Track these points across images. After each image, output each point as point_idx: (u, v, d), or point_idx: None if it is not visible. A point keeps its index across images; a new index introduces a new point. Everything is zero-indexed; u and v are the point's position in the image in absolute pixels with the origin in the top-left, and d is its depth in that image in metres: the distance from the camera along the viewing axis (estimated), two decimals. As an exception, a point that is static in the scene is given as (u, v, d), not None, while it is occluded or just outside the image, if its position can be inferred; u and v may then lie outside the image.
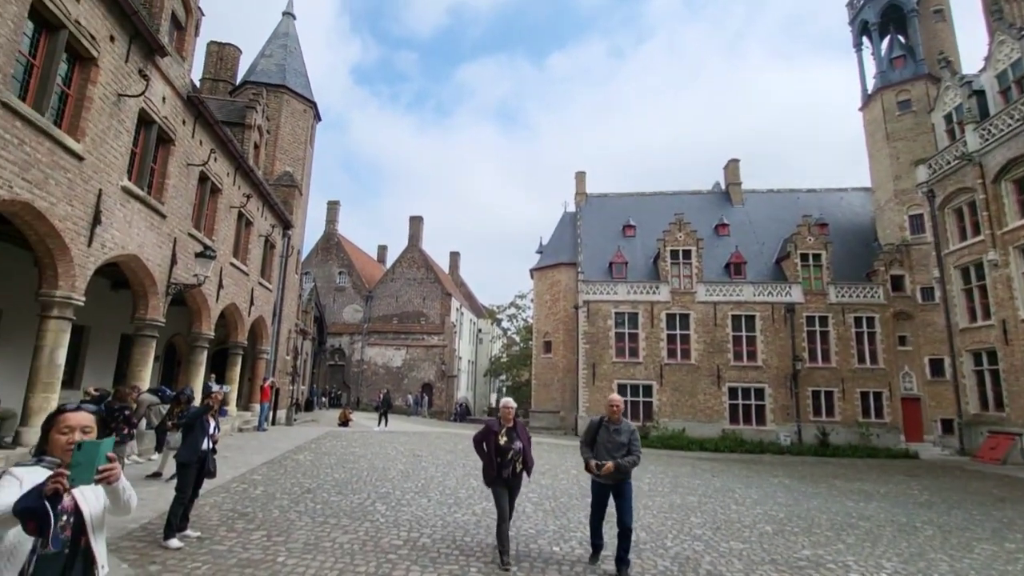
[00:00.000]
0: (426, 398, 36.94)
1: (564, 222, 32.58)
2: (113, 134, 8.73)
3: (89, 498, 1.93)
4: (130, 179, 9.51)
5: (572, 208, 33.15)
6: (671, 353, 25.78)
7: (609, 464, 5.01)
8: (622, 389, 24.98)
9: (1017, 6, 19.27)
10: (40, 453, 1.99)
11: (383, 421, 20.75)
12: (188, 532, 5.52)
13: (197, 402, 10.19)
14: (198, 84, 18.85)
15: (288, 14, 23.90)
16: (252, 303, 16.46)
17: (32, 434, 7.49)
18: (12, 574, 1.73)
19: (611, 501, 5.25)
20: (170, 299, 11.31)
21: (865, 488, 12.20)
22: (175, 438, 8.02)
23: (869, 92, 27.87)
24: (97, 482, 1.79)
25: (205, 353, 13.64)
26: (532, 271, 32.24)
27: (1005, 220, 17.38)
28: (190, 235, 11.97)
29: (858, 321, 25.10)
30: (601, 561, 5.38)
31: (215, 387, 6.83)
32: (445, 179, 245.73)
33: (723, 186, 33.57)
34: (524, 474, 5.45)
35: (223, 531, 5.82)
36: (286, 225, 19.55)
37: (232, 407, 15.76)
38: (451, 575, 4.87)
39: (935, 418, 23.71)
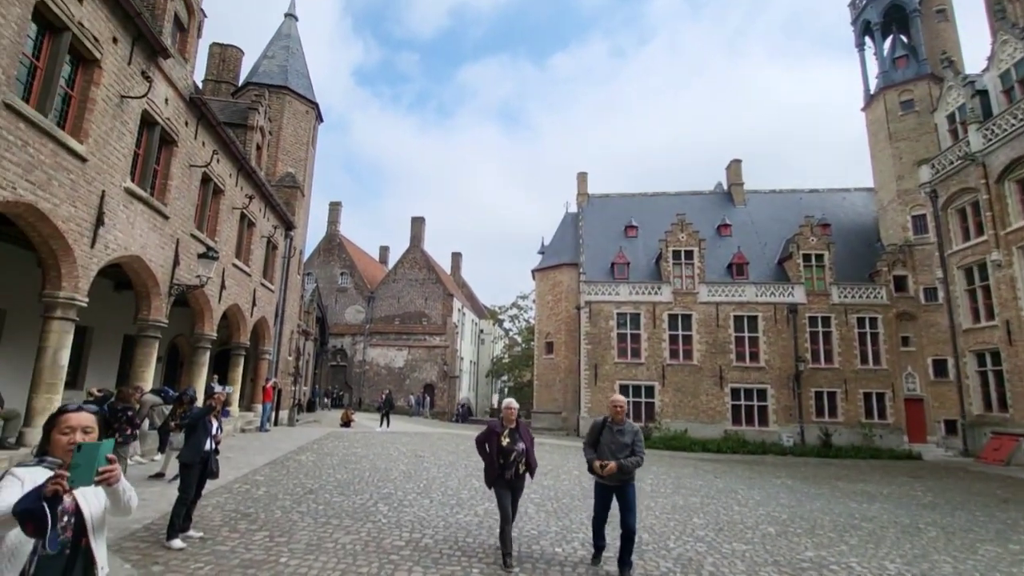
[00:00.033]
0: (428, 399, 36.94)
1: (566, 223, 32.57)
2: (116, 136, 8.75)
3: (90, 499, 1.93)
4: (133, 180, 9.54)
5: (574, 208, 33.14)
6: (673, 354, 25.74)
7: (612, 464, 4.95)
8: (624, 390, 24.95)
9: (1020, 6, 19.20)
10: (42, 453, 1.99)
11: (385, 422, 20.76)
12: (191, 532, 5.53)
13: (200, 403, 10.22)
14: (200, 85, 18.90)
15: (290, 15, 23.96)
16: (254, 304, 16.48)
17: (36, 435, 7.51)
18: (13, 574, 1.74)
19: (614, 503, 5.21)
20: (173, 300, 11.34)
21: (868, 489, 12.16)
22: (178, 439, 8.04)
23: (872, 92, 27.80)
24: (97, 484, 1.79)
25: (208, 354, 13.67)
26: (534, 272, 32.22)
27: (1008, 220, 17.31)
28: (193, 236, 12.00)
29: (861, 322, 25.03)
30: (603, 562, 5.37)
31: (218, 388, 6.85)
32: (447, 180, 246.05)
33: (725, 186, 33.52)
34: (527, 475, 5.42)
35: (226, 531, 5.83)
36: (288, 226, 19.58)
37: (234, 408, 15.79)
38: (453, 576, 4.87)
39: (938, 419, 23.63)
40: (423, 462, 11.91)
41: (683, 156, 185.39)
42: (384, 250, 53.38)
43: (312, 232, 39.56)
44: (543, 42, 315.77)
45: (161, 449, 9.78)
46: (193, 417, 5.97)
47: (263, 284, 17.35)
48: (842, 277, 25.93)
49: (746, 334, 25.55)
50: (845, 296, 25.39)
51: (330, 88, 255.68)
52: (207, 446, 5.71)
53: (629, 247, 29.02)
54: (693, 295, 26.14)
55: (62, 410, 2.06)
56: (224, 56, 22.00)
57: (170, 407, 9.61)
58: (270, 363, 18.76)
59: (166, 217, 10.72)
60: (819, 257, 25.95)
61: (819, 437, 23.28)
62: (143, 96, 9.30)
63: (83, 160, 7.91)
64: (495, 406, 49.47)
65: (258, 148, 17.14)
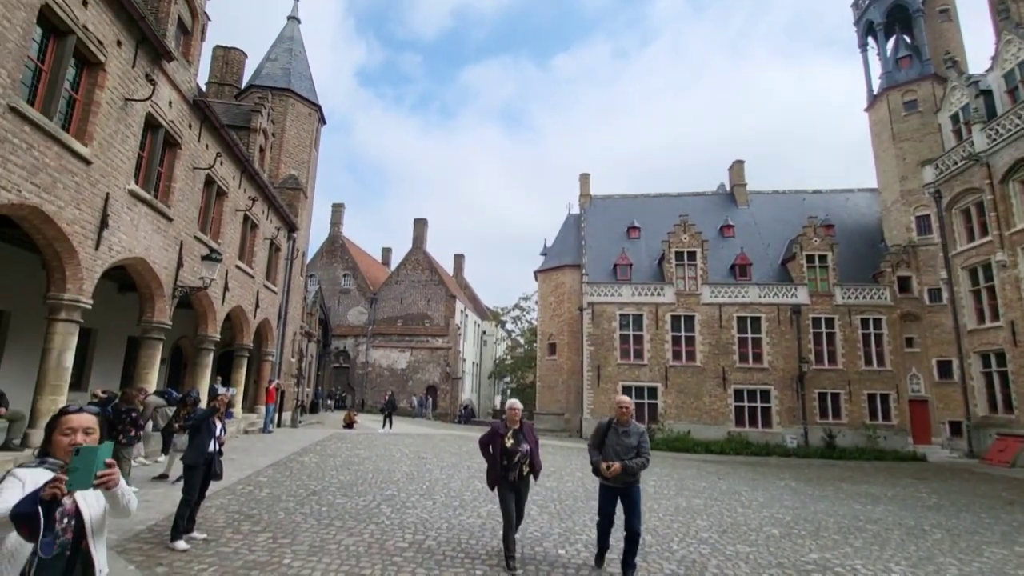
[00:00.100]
0: (430, 400, 36.95)
1: (568, 224, 32.56)
2: (120, 138, 8.79)
3: (90, 501, 1.94)
4: (137, 183, 9.58)
5: (576, 210, 33.14)
6: (676, 355, 25.70)
7: (616, 465, 4.89)
8: (627, 391, 24.90)
9: (1024, 5, 19.14)
10: (44, 455, 2.00)
11: (387, 423, 20.77)
12: (194, 534, 5.54)
13: (203, 404, 10.25)
14: (204, 88, 18.96)
15: (293, 18, 24.05)
16: (258, 305, 16.52)
17: (40, 436, 7.51)
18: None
19: (618, 506, 5.16)
20: (176, 302, 11.38)
21: (872, 491, 12.11)
22: (181, 440, 8.05)
23: (875, 92, 27.73)
24: (95, 487, 1.79)
25: (211, 355, 13.70)
26: (536, 273, 32.21)
27: (1013, 221, 17.24)
28: (196, 238, 12.04)
29: (865, 323, 24.95)
30: (607, 564, 5.35)
31: (221, 389, 6.88)
32: (449, 181, 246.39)
33: (728, 187, 33.47)
34: (531, 477, 5.38)
35: (229, 533, 5.84)
36: (291, 228, 19.63)
37: (238, 409, 15.82)
38: (456, 578, 4.86)
39: (943, 420, 23.51)
40: (426, 463, 11.91)
41: (684, 156, 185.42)
42: (387, 251, 53.48)
43: (315, 234, 39.54)
44: (545, 43, 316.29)
45: (165, 451, 9.80)
46: (197, 419, 5.98)
47: (266, 286, 17.39)
48: (846, 278, 25.84)
49: (749, 335, 25.48)
50: (849, 297, 25.30)
51: (333, 89, 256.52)
52: (211, 448, 5.72)
53: (631, 248, 29.00)
54: (696, 296, 26.09)
55: (63, 411, 2.07)
56: (227, 59, 22.09)
57: (174, 409, 9.63)
58: (273, 365, 18.80)
59: (170, 219, 10.76)
60: (822, 258, 25.88)
61: (823, 438, 23.19)
62: (147, 99, 9.34)
63: (87, 163, 7.95)
64: (498, 407, 49.48)
65: (261, 150, 17.20)
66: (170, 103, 10.40)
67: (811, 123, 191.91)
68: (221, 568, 4.78)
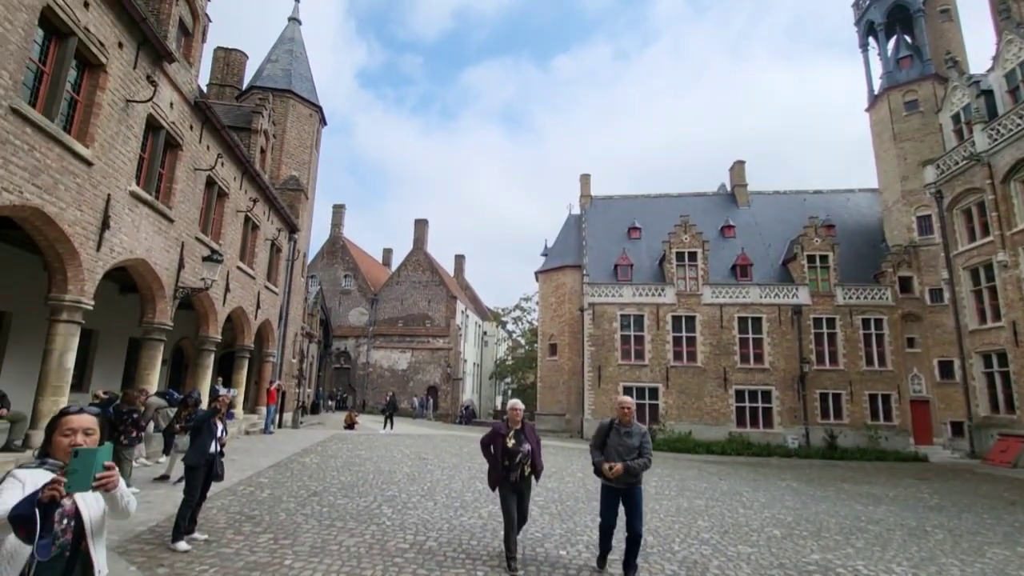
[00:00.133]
0: (431, 401, 36.95)
1: (569, 224, 32.57)
2: (122, 139, 8.81)
3: (90, 502, 1.94)
4: (138, 184, 9.60)
5: (577, 210, 33.16)
6: (677, 355, 25.69)
7: (619, 466, 4.86)
8: (628, 392, 24.88)
9: (1025, 5, 19.12)
10: (44, 455, 2.00)
11: (388, 424, 20.77)
12: (196, 535, 5.54)
13: (204, 405, 10.25)
14: (205, 89, 18.99)
15: (294, 19, 24.09)
16: (258, 307, 16.53)
17: (42, 437, 7.53)
18: None
19: (620, 508, 5.13)
20: (177, 303, 11.39)
21: (874, 491, 12.09)
22: (183, 441, 8.06)
23: (875, 93, 27.72)
24: (94, 489, 1.79)
25: (212, 356, 13.71)
26: (537, 274, 32.22)
27: (1015, 221, 17.22)
28: (197, 239, 12.05)
29: (866, 323, 24.92)
30: (608, 565, 5.34)
31: (222, 390, 6.89)
32: (450, 182, 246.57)
33: (728, 188, 33.47)
34: (533, 478, 5.35)
35: (230, 534, 5.84)
36: (292, 229, 19.65)
37: (239, 410, 15.83)
38: (457, 579, 4.86)
39: (945, 421, 23.48)
40: (427, 464, 11.91)
41: (685, 156, 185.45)
42: (387, 252, 53.51)
43: (316, 235, 39.58)
44: (546, 45, 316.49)
45: (166, 451, 9.81)
46: (198, 420, 5.99)
47: (267, 287, 17.40)
48: (847, 278, 25.82)
49: (750, 336, 25.46)
50: (850, 297, 25.28)
51: (333, 90, 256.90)
52: (212, 448, 5.72)
53: (632, 249, 28.99)
54: (697, 297, 26.08)
55: (64, 412, 2.07)
56: (228, 60, 22.13)
57: (175, 410, 9.64)
58: (274, 366, 18.81)
59: (171, 220, 10.77)
60: (823, 258, 25.86)
61: (824, 439, 23.15)
62: (148, 100, 9.35)
63: (89, 164, 7.96)
64: (498, 408, 49.46)
65: (262, 151, 17.22)
66: (171, 104, 10.42)
67: (812, 123, 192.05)
68: (222, 569, 4.78)
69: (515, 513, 5.16)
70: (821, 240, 26.03)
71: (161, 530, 5.77)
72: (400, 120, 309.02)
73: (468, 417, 36.51)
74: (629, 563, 5.00)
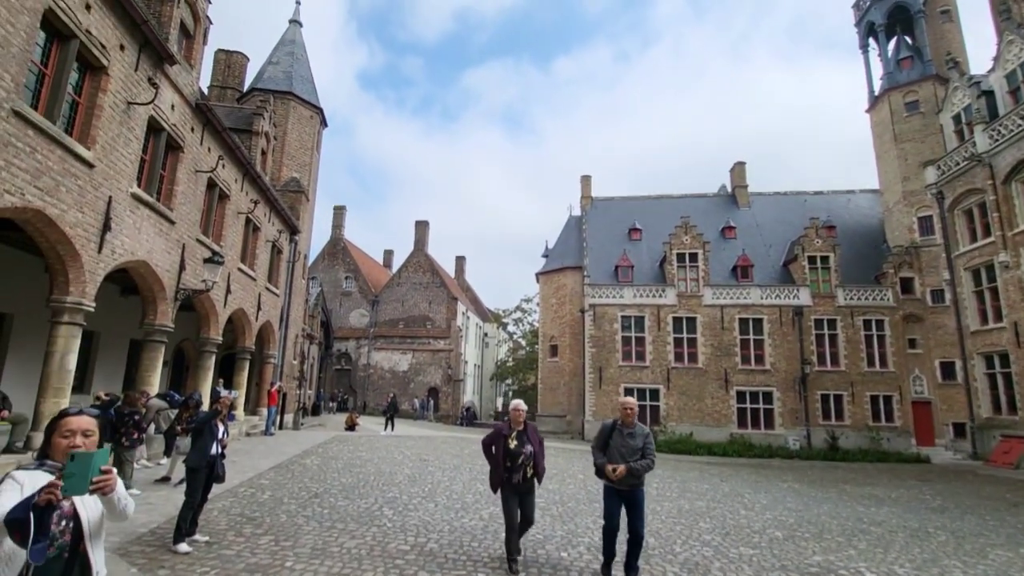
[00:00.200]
0: (432, 402, 36.94)
1: (570, 226, 32.58)
2: (123, 141, 8.83)
3: (88, 504, 1.93)
4: (139, 186, 9.61)
5: (577, 211, 33.17)
6: (678, 357, 25.66)
7: (622, 467, 4.82)
8: (628, 393, 24.82)
9: (1025, 6, 19.12)
10: (43, 457, 2.00)
11: (389, 425, 20.77)
12: (197, 537, 5.54)
13: (205, 407, 10.25)
14: (206, 92, 19.02)
15: (295, 22, 24.14)
16: (259, 308, 16.55)
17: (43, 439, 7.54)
18: None
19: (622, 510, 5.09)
20: (179, 304, 11.40)
21: (876, 493, 12.06)
22: (184, 443, 8.06)
23: (876, 94, 27.71)
24: (91, 493, 1.78)
25: (213, 358, 13.72)
26: (538, 275, 32.23)
27: (1016, 221, 17.21)
28: (198, 241, 12.07)
29: (867, 324, 24.88)
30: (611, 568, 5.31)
31: (223, 392, 6.87)
32: (451, 184, 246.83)
33: (729, 189, 33.47)
34: (535, 480, 5.26)
35: (231, 536, 5.83)
36: (293, 230, 19.67)
37: (240, 412, 15.83)
38: (459, 581, 4.85)
39: (947, 422, 23.42)
40: (428, 466, 11.90)
41: (685, 157, 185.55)
42: (388, 254, 53.55)
43: (316, 236, 39.74)
44: (547, 46, 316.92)
45: (167, 453, 9.81)
46: (199, 421, 5.98)
47: (268, 288, 17.41)
48: (848, 279, 25.79)
49: (751, 337, 25.43)
50: (851, 298, 25.25)
51: (334, 92, 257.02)
52: (213, 450, 5.72)
53: (633, 250, 28.99)
54: (698, 298, 26.06)
55: (63, 413, 2.06)
56: (229, 62, 22.19)
57: (176, 411, 9.64)
58: (275, 367, 18.81)
59: (172, 222, 10.79)
60: (824, 259, 25.83)
61: (826, 440, 23.11)
62: (150, 102, 9.37)
63: (90, 166, 7.97)
64: (499, 409, 49.41)
65: (263, 153, 17.25)
66: (172, 106, 10.44)
67: (812, 124, 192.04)
68: (223, 571, 4.78)
69: (516, 516, 5.10)
70: (822, 241, 26.00)
71: (162, 532, 5.76)
72: (401, 122, 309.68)
73: (469, 418, 36.48)
74: (631, 565, 4.97)
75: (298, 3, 24.54)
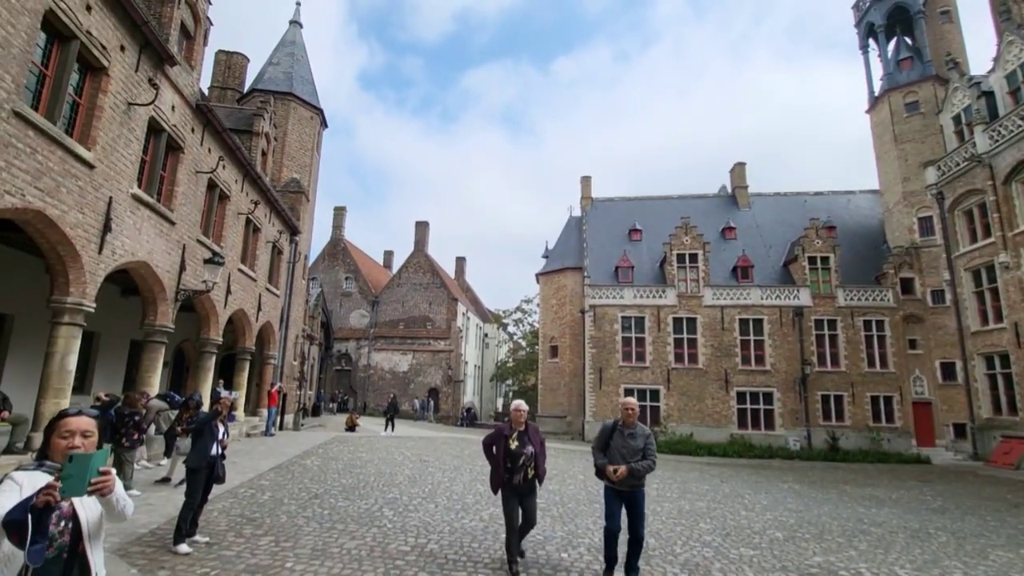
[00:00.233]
0: (432, 403, 36.94)
1: (570, 226, 32.60)
2: (123, 142, 8.83)
3: (87, 504, 1.93)
4: (140, 187, 9.62)
5: (577, 212, 33.18)
6: (678, 357, 25.65)
7: (623, 468, 4.79)
8: (629, 394, 24.77)
9: (1025, 6, 19.12)
10: (42, 457, 1.99)
11: (390, 426, 20.77)
12: (197, 537, 5.54)
13: (205, 407, 10.25)
14: (207, 92, 19.03)
15: (295, 23, 24.17)
16: (260, 309, 16.55)
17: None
18: None
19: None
20: (179, 305, 11.40)
21: (877, 494, 12.06)
22: (184, 443, 8.07)
23: (876, 94, 27.72)
24: (90, 494, 1.78)
25: (213, 359, 13.72)
26: (538, 276, 32.24)
27: (1016, 222, 17.20)
28: (199, 241, 12.07)
29: (867, 324, 24.87)
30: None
31: (224, 392, 6.88)
32: (451, 184, 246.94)
33: (729, 189, 33.48)
34: (536, 481, 5.20)
35: (231, 536, 5.83)
36: (293, 231, 19.68)
37: (240, 412, 15.83)
38: (459, 581, 4.84)
39: (947, 422, 23.41)
40: (428, 466, 11.90)
41: (685, 157, 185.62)
42: (388, 254, 53.57)
43: (317, 237, 39.75)
44: (547, 47, 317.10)
45: (167, 454, 9.81)
46: (199, 422, 5.98)
47: (268, 289, 17.42)
48: (848, 280, 25.79)
49: (751, 337, 25.42)
50: (851, 299, 25.24)
51: (335, 92, 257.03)
52: (213, 451, 5.72)
53: (633, 250, 28.99)
54: (698, 298, 26.06)
55: (62, 414, 2.05)
56: (230, 63, 22.21)
57: (176, 412, 9.64)
58: (275, 368, 18.81)
59: (172, 223, 10.79)
60: (824, 260, 25.83)
61: (826, 441, 23.10)
62: (150, 103, 9.38)
63: (91, 167, 7.98)
64: (500, 410, 49.40)
65: (263, 154, 17.26)
66: (173, 107, 10.45)
67: (812, 124, 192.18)
68: (223, 571, 4.77)
69: (517, 517, 5.06)
70: (822, 242, 26.00)
71: (162, 532, 5.76)
72: (401, 122, 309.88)
73: (469, 419, 36.47)
74: (631, 565, 4.96)
75: (298, 4, 24.57)
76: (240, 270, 14.84)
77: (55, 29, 7.21)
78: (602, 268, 28.24)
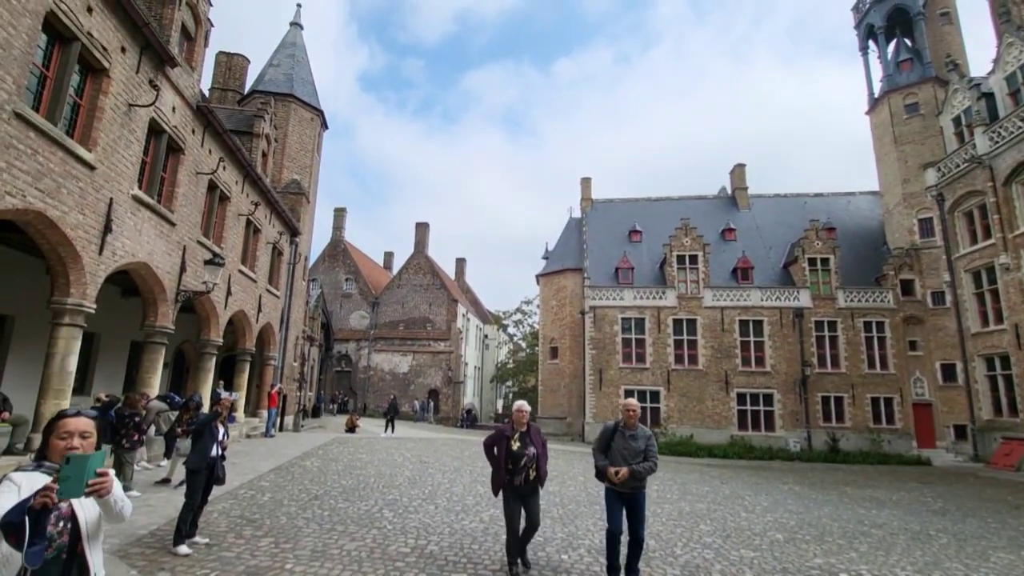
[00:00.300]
0: (432, 404, 36.92)
1: (570, 228, 32.61)
2: (124, 143, 8.84)
3: (86, 504, 1.92)
4: (140, 188, 9.63)
5: (577, 213, 33.19)
6: (678, 359, 25.63)
7: (624, 470, 4.76)
8: (629, 394, 24.80)
9: (1025, 8, 19.14)
10: (41, 458, 1.99)
11: (390, 427, 20.76)
12: (197, 538, 5.53)
13: (205, 409, 10.25)
14: (207, 94, 19.09)
15: (296, 24, 24.21)
16: (260, 310, 16.55)
17: (43, 441, 7.53)
18: None
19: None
20: (179, 306, 11.40)
21: (877, 495, 12.04)
22: (184, 444, 8.07)
23: (876, 96, 27.75)
24: (87, 495, 1.77)
25: (214, 360, 13.72)
26: (538, 277, 32.24)
27: (1016, 223, 17.20)
28: (199, 243, 12.08)
29: (868, 326, 24.86)
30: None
31: (224, 394, 6.89)
32: (451, 185, 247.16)
33: (729, 191, 33.50)
34: (538, 483, 5.13)
35: (231, 538, 5.83)
36: (293, 232, 19.68)
37: (240, 413, 15.83)
38: (459, 583, 4.84)
39: (947, 424, 23.41)
40: (428, 468, 11.89)
41: (685, 158, 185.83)
42: (388, 256, 53.60)
43: (317, 238, 39.75)
44: (547, 48, 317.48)
45: (167, 455, 9.81)
46: (199, 423, 5.98)
47: (268, 290, 17.42)
48: (848, 281, 25.79)
49: (751, 339, 25.42)
50: (851, 300, 25.24)
51: (335, 93, 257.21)
52: (213, 452, 5.72)
53: (633, 252, 29.00)
54: (698, 300, 26.06)
55: (61, 415, 2.05)
56: (230, 65, 22.25)
57: (176, 413, 9.64)
58: (275, 369, 18.81)
59: (173, 224, 10.80)
60: (824, 261, 25.83)
61: (826, 442, 23.09)
62: (151, 104, 9.39)
63: (91, 168, 7.99)
64: (500, 411, 49.38)
65: (264, 155, 17.28)
66: (173, 109, 10.46)
67: (813, 125, 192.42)
68: (223, 573, 4.77)
69: (518, 519, 5.01)
70: (822, 243, 26.00)
71: (162, 534, 5.76)
72: (402, 123, 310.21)
73: (469, 421, 36.46)
74: (631, 567, 4.94)
75: (299, 5, 24.62)
76: (240, 271, 14.84)
77: (56, 30, 7.22)
78: (602, 269, 28.25)
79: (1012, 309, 17.36)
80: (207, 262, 11.89)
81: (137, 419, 8.07)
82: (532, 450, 5.06)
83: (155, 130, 10.01)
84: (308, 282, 24.84)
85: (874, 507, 10.35)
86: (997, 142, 17.73)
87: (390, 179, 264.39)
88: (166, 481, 8.62)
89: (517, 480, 4.99)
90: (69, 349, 8.09)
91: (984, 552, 7.05)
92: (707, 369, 25.27)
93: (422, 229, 42.85)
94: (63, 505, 1.82)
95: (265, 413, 17.05)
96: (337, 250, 42.22)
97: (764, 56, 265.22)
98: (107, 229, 8.44)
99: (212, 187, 12.77)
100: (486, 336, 51.38)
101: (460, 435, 24.16)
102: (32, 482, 1.82)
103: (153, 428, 10.07)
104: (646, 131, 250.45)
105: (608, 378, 25.81)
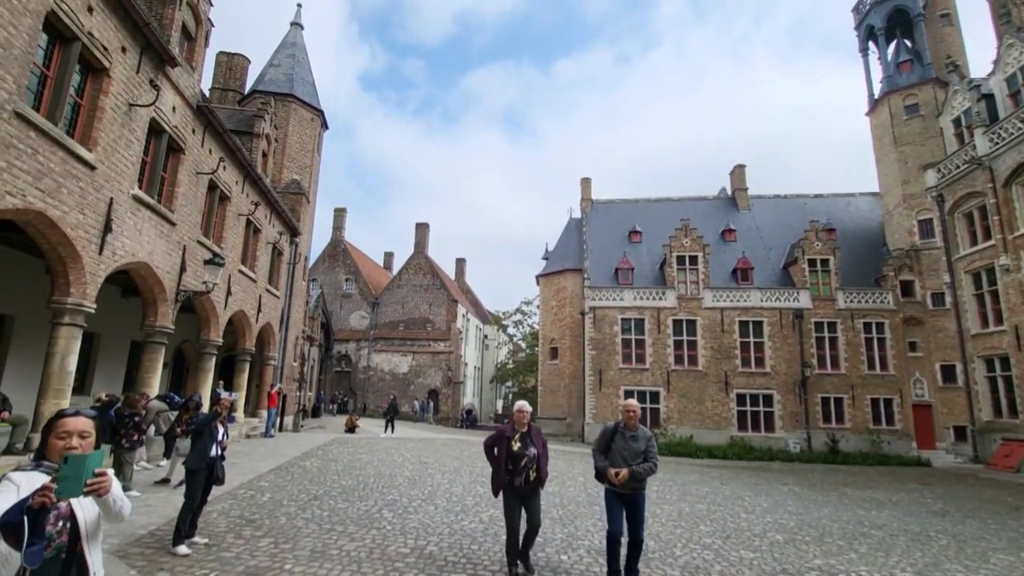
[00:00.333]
0: (432, 404, 36.92)
1: (570, 228, 32.61)
2: (124, 143, 8.84)
3: (85, 504, 1.92)
4: (140, 188, 9.63)
5: (578, 214, 33.19)
6: (678, 359, 25.63)
7: (624, 471, 4.74)
8: (628, 395, 24.79)
9: (1025, 10, 19.15)
10: (40, 457, 1.99)
11: (389, 427, 20.76)
12: (196, 539, 5.53)
13: (205, 408, 10.25)
14: (207, 94, 19.10)
15: (296, 24, 24.22)
16: (260, 310, 16.55)
17: (43, 440, 7.53)
18: None
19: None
20: (179, 306, 11.40)
21: (877, 496, 12.04)
22: (184, 444, 8.06)
23: (876, 97, 27.76)
24: (86, 495, 1.77)
25: (213, 360, 13.72)
26: (538, 277, 32.24)
27: (1016, 224, 17.20)
28: (199, 242, 12.08)
29: (867, 327, 24.86)
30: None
31: (223, 394, 6.89)
32: (451, 185, 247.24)
33: (729, 191, 33.51)
34: (539, 484, 5.10)
35: (231, 538, 5.82)
36: (293, 232, 19.68)
37: (240, 413, 15.82)
38: (459, 583, 4.83)
39: (947, 425, 23.39)
40: (427, 468, 11.88)
41: (686, 159, 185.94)
42: (388, 256, 53.60)
43: (317, 238, 39.74)
44: (548, 48, 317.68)
45: (167, 455, 9.81)
46: (199, 423, 5.98)
47: (268, 290, 17.42)
48: (848, 282, 25.78)
49: (751, 339, 25.41)
50: (851, 301, 25.23)
51: (335, 93, 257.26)
52: (213, 452, 5.71)
53: (633, 252, 29.00)
54: (698, 300, 26.06)
55: (60, 414, 2.04)
56: (231, 65, 22.26)
57: (176, 413, 9.64)
58: (275, 369, 18.81)
59: (173, 224, 10.80)
60: (824, 262, 25.83)
61: (826, 443, 23.09)
62: (151, 104, 9.40)
63: (92, 168, 7.99)
64: (499, 412, 49.37)
65: (264, 155, 17.28)
66: (174, 108, 10.47)
67: (813, 125, 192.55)
68: (222, 573, 4.77)
69: (518, 520, 4.98)
70: (822, 244, 26.00)
71: (162, 534, 5.76)
72: (402, 123, 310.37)
73: (469, 421, 36.45)
74: (631, 568, 4.93)
75: (299, 5, 24.64)
76: (240, 271, 14.84)
77: (56, 30, 7.22)
78: (602, 270, 28.25)
79: (1012, 310, 17.36)
80: (207, 262, 11.88)
81: (137, 419, 8.06)
82: (533, 451, 5.03)
83: (155, 130, 10.02)
84: (308, 282, 24.84)
85: (874, 508, 10.35)
86: (997, 143, 17.73)
87: (390, 179, 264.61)
88: (165, 481, 8.62)
89: (517, 481, 4.96)
90: (69, 349, 8.09)
91: (984, 553, 7.05)
92: (707, 370, 25.26)
93: (422, 229, 42.86)
94: (62, 505, 1.82)
95: (265, 413, 17.05)
96: (337, 250, 42.23)
97: (764, 56, 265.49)
98: (107, 229, 8.44)
99: (212, 187, 12.77)
100: (486, 336, 51.38)
101: (460, 435, 24.15)
102: (31, 482, 1.81)
103: (153, 428, 10.07)
104: (646, 131, 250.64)
105: (608, 379, 25.81)
